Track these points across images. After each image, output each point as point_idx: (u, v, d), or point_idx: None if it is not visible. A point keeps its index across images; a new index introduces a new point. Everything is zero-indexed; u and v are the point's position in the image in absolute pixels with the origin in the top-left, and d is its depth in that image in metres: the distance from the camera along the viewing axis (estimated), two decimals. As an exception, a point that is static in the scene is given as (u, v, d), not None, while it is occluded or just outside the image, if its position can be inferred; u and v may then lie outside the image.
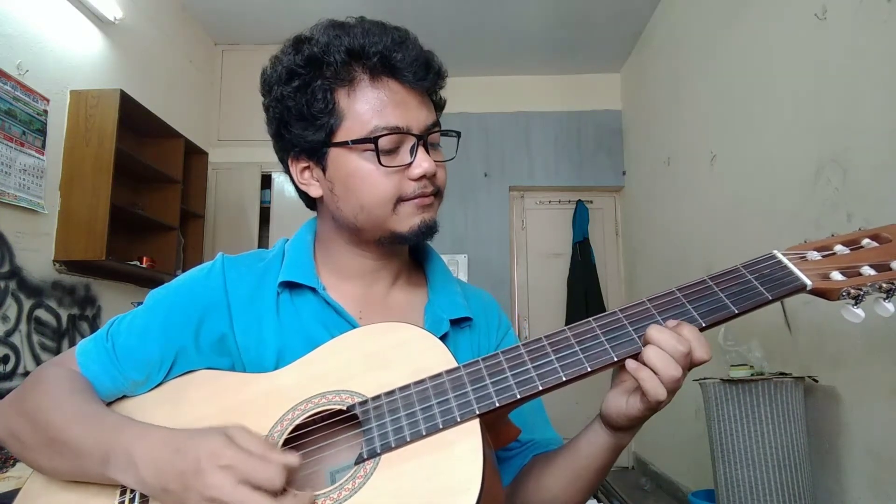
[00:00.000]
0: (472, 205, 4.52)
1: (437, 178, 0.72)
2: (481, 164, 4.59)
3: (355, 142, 0.69)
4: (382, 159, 0.68)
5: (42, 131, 2.58)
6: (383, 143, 0.68)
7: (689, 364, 0.58)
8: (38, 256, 2.55)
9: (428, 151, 0.71)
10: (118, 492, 0.63)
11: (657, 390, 0.57)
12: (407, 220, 0.71)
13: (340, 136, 0.70)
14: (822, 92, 2.05)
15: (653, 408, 0.59)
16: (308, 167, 0.75)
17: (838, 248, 0.62)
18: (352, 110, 0.69)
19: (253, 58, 4.17)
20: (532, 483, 0.73)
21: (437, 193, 0.74)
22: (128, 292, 3.15)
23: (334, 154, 0.71)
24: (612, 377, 0.65)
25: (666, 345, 0.57)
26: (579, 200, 4.58)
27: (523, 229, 4.68)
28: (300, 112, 0.70)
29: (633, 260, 4.38)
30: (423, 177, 0.70)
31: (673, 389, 0.58)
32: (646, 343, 0.58)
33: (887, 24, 1.74)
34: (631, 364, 0.58)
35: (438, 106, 0.77)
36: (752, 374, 2.03)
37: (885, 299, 0.59)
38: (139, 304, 0.76)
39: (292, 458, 0.56)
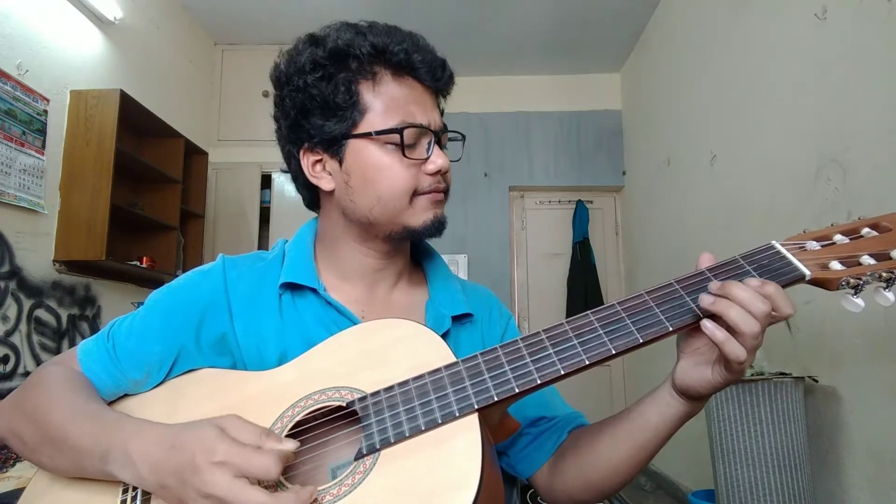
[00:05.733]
0: (472, 205, 4.52)
1: (446, 175, 0.75)
2: (481, 164, 4.59)
3: (380, 133, 0.70)
4: (406, 152, 0.70)
5: (42, 131, 2.58)
6: (405, 136, 0.70)
7: (770, 321, 0.57)
8: (38, 256, 2.55)
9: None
10: (120, 489, 0.64)
11: (736, 351, 0.56)
12: (421, 214, 0.73)
13: (362, 129, 0.71)
14: (822, 92, 2.05)
15: (738, 371, 0.58)
16: (321, 160, 0.75)
17: (838, 237, 0.62)
18: (374, 104, 0.71)
19: (253, 58, 4.18)
20: (585, 458, 0.72)
21: (446, 191, 0.76)
22: (128, 292, 3.15)
23: (354, 146, 0.72)
24: (678, 345, 0.64)
25: (749, 304, 0.55)
26: (579, 200, 4.58)
27: (523, 229, 4.68)
28: (325, 102, 0.71)
29: (633, 260, 4.38)
30: (437, 172, 0.72)
31: (753, 348, 0.56)
32: (724, 299, 0.57)
33: (887, 24, 1.74)
34: (708, 325, 0.57)
35: (440, 111, 0.79)
36: (752, 374, 2.03)
37: (885, 288, 0.58)
38: (139, 304, 0.76)
39: (288, 444, 0.56)
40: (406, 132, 0.70)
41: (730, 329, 0.57)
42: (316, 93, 0.71)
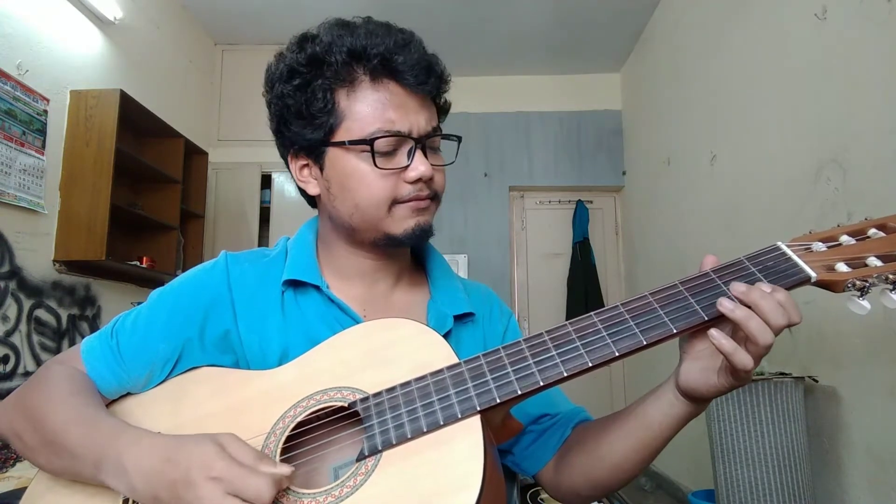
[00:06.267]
0: (472, 205, 4.52)
1: (434, 182, 0.72)
2: (481, 164, 4.59)
3: (352, 142, 0.69)
4: (378, 161, 0.68)
5: (42, 131, 2.58)
6: (380, 145, 0.68)
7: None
8: (38, 256, 2.55)
9: (426, 155, 0.71)
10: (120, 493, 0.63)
11: (744, 360, 0.56)
12: (401, 222, 0.71)
13: (339, 136, 0.70)
14: (821, 92, 2.05)
15: (744, 378, 0.58)
16: (307, 165, 0.75)
17: (844, 238, 0.61)
18: (351, 111, 0.69)
19: (253, 58, 4.18)
20: (591, 454, 0.72)
21: (434, 197, 0.74)
22: (128, 292, 3.15)
23: (332, 153, 0.71)
24: (680, 346, 0.64)
25: (770, 315, 0.55)
26: (579, 200, 4.58)
27: (523, 229, 4.68)
28: (299, 111, 0.70)
29: (633, 260, 4.38)
30: (418, 180, 0.70)
31: (761, 356, 0.56)
32: (739, 304, 0.56)
33: (887, 24, 1.74)
34: (715, 334, 0.57)
35: (442, 110, 0.77)
36: (753, 374, 2.03)
37: (891, 290, 0.57)
38: (140, 303, 0.76)
39: (284, 469, 0.56)
40: (382, 141, 0.68)
41: (737, 335, 0.57)
42: (291, 102, 0.70)
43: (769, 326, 0.55)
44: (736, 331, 0.58)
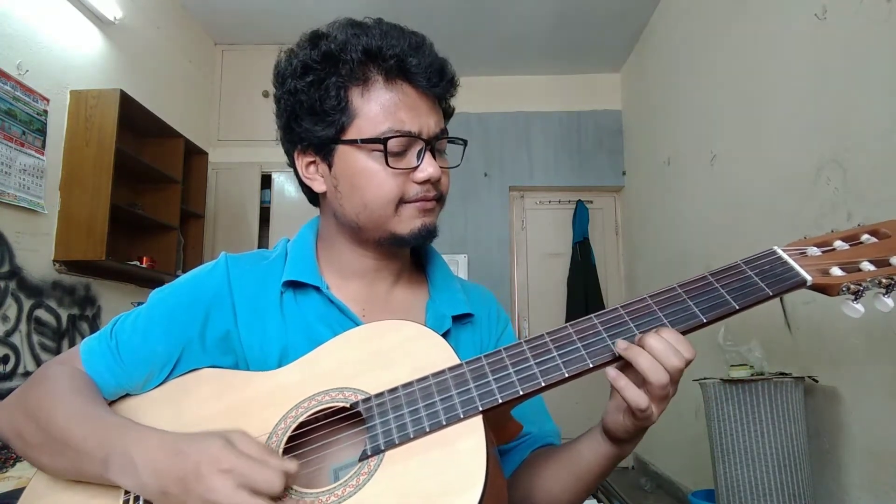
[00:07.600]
0: (472, 205, 4.52)
1: (440, 183, 0.74)
2: (481, 164, 4.59)
3: (365, 141, 0.69)
4: (390, 161, 0.69)
5: (42, 131, 2.58)
6: (392, 144, 0.69)
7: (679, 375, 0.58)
8: (38, 256, 2.55)
9: (434, 157, 0.72)
10: (122, 491, 0.63)
11: (636, 399, 0.58)
12: (408, 222, 0.72)
13: (350, 134, 0.70)
14: (822, 92, 2.06)
15: (641, 418, 0.60)
16: (314, 162, 0.75)
17: (838, 243, 0.63)
18: (364, 110, 0.70)
19: (253, 58, 4.18)
20: (532, 480, 0.73)
21: (440, 199, 0.75)
22: (128, 292, 3.15)
23: (342, 151, 0.71)
24: (611, 390, 0.65)
25: (661, 355, 0.57)
26: (579, 200, 4.58)
27: (523, 229, 4.68)
28: (312, 107, 0.70)
29: (633, 260, 4.38)
30: (427, 181, 0.71)
31: (660, 398, 0.58)
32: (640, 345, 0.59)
33: (887, 24, 1.74)
34: (611, 373, 0.59)
35: (446, 113, 0.78)
36: (752, 374, 2.03)
37: (884, 294, 0.59)
38: (140, 303, 0.76)
39: (291, 465, 0.56)
40: (394, 141, 0.69)
41: (637, 377, 0.58)
42: (305, 98, 0.70)
43: (662, 365, 0.57)
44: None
